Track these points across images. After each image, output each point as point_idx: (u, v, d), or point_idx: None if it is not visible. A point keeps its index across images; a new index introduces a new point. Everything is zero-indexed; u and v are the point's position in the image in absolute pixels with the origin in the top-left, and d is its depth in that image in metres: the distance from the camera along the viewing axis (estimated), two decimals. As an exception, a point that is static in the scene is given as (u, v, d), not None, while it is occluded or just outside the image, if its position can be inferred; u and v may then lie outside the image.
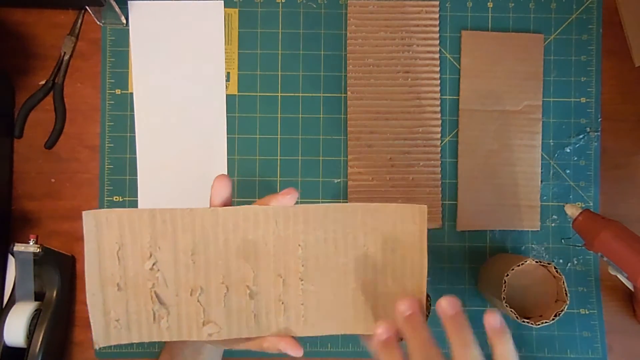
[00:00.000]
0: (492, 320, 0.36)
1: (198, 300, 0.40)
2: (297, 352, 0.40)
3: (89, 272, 0.40)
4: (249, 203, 0.42)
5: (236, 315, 0.41)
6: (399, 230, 0.40)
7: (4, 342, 0.57)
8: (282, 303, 0.41)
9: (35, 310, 0.58)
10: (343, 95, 0.65)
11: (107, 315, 0.40)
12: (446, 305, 0.37)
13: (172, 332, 0.41)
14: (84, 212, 0.39)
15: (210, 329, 0.41)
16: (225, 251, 0.40)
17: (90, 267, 0.40)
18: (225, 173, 0.64)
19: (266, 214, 0.40)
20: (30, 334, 0.57)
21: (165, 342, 0.52)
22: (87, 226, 0.40)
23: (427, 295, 0.55)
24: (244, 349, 0.43)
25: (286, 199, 0.41)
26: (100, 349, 0.61)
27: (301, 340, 0.63)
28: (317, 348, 0.63)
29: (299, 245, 0.40)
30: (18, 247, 0.56)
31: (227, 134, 0.65)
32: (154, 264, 0.40)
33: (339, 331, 0.41)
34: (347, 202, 0.64)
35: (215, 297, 0.40)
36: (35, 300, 0.59)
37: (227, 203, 0.42)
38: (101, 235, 0.40)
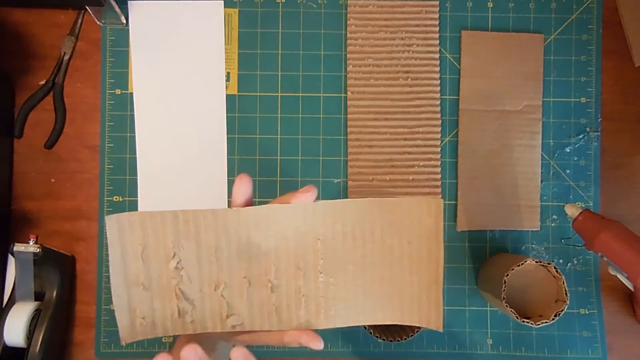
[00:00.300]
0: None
1: (222, 295, 0.41)
2: (318, 345, 0.41)
3: (114, 274, 0.40)
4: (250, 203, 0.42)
5: (258, 309, 0.42)
6: (416, 223, 0.41)
7: (4, 342, 0.57)
8: (303, 296, 0.42)
9: (35, 310, 0.58)
10: (343, 95, 0.65)
11: (132, 314, 0.41)
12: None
13: (196, 325, 0.41)
14: (106, 217, 0.40)
15: (233, 321, 0.41)
16: (248, 247, 0.41)
17: (115, 270, 0.40)
18: (226, 172, 0.64)
19: (286, 212, 0.41)
20: (30, 334, 0.57)
21: (175, 342, 0.52)
22: (110, 230, 0.40)
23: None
24: (265, 344, 0.43)
25: (306, 197, 0.42)
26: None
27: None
28: (317, 348, 0.63)
29: (318, 239, 0.41)
30: (18, 247, 0.56)
31: (227, 134, 0.65)
32: (178, 263, 0.41)
33: (358, 322, 0.42)
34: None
35: (238, 291, 0.41)
36: (35, 300, 0.59)
37: (249, 202, 0.43)
38: (124, 238, 0.40)
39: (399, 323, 0.42)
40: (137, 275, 0.41)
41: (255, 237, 0.41)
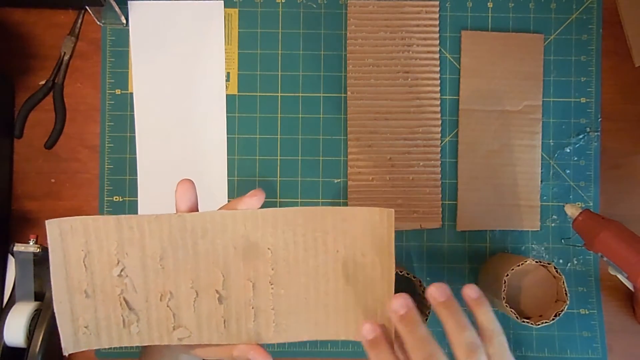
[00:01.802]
0: (471, 292, 0.38)
1: (168, 305, 0.40)
2: None
3: (55, 280, 0.40)
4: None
5: (206, 321, 0.40)
6: (368, 233, 0.40)
7: (4, 342, 0.57)
8: (252, 308, 0.40)
9: (35, 310, 0.58)
10: (343, 95, 0.65)
11: (75, 322, 0.40)
12: (436, 292, 0.38)
13: (143, 336, 0.40)
14: (47, 221, 0.39)
15: (180, 334, 0.40)
16: (194, 256, 0.40)
17: (57, 276, 0.40)
18: (226, 172, 0.64)
19: (234, 218, 0.39)
20: (30, 334, 0.57)
21: (140, 354, 0.52)
22: (51, 235, 0.39)
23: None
24: (216, 358, 0.43)
25: (253, 201, 0.40)
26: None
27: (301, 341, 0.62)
28: (317, 348, 0.63)
29: (268, 248, 0.40)
30: (18, 247, 0.56)
31: (227, 134, 0.65)
32: (122, 270, 0.40)
33: (310, 337, 0.41)
34: (345, 204, 0.64)
35: (185, 302, 0.40)
36: (35, 300, 0.59)
37: (194, 207, 0.42)
38: (66, 243, 0.39)
39: (353, 339, 0.41)
40: (80, 281, 0.40)
41: (202, 245, 0.40)
